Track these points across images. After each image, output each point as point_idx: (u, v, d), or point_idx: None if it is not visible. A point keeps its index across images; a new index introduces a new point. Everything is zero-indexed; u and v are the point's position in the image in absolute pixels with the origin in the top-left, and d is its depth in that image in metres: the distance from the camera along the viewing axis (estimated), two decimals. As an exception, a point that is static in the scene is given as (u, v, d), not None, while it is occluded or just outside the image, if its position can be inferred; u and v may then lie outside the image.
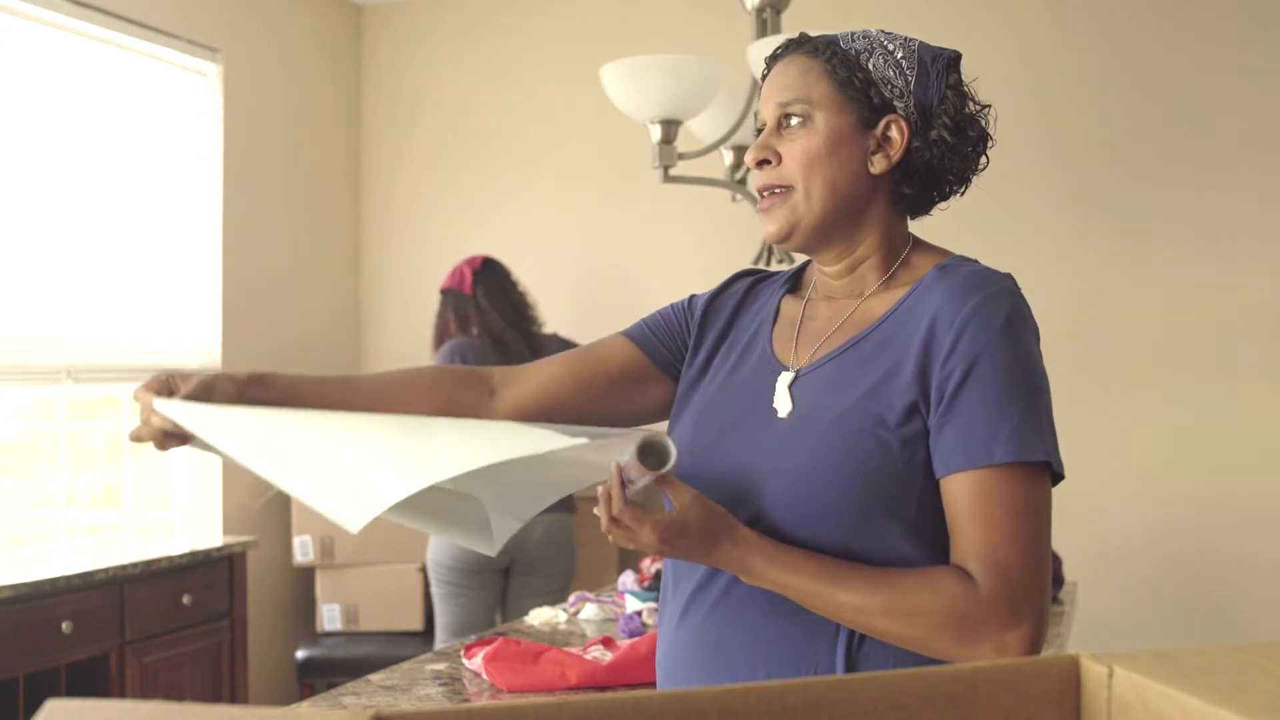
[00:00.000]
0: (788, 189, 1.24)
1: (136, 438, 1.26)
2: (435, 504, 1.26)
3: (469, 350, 3.48)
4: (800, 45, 1.27)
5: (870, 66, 1.23)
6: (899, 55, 1.23)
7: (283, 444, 1.14)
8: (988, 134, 1.26)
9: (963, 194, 1.29)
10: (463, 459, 1.03)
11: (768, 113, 1.26)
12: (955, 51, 1.27)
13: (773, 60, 1.30)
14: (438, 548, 3.48)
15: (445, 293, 3.62)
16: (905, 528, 1.14)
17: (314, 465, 1.11)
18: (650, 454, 1.08)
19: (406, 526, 1.29)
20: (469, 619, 3.45)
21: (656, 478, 1.11)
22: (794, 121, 1.24)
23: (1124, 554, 3.62)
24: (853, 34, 1.26)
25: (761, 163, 1.25)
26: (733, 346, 1.34)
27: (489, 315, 3.52)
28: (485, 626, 3.47)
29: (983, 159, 1.27)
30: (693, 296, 1.41)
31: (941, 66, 1.24)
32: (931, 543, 1.15)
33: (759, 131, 1.28)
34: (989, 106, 1.26)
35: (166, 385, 1.25)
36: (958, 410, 1.12)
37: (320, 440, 1.12)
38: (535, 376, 1.37)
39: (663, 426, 1.31)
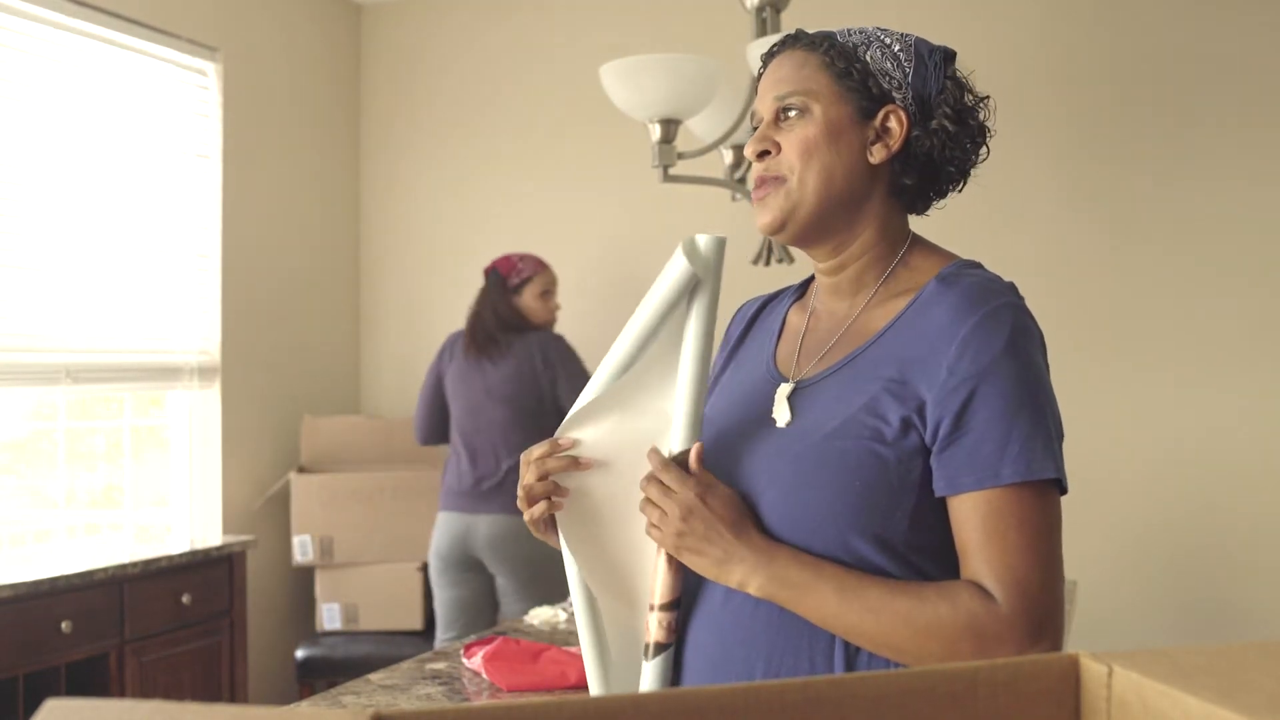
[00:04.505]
0: (782, 178, 1.24)
1: (529, 497, 1.26)
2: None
3: (456, 340, 3.68)
4: (797, 40, 1.28)
5: (868, 58, 1.23)
6: (896, 48, 1.24)
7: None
8: (987, 126, 1.26)
9: (961, 189, 1.29)
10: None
11: (765, 107, 1.27)
12: (950, 49, 1.28)
13: (769, 57, 1.30)
14: (434, 538, 3.61)
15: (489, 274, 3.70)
16: (892, 543, 1.13)
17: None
18: (690, 245, 1.19)
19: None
20: (454, 611, 3.56)
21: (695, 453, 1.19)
22: (792, 113, 1.24)
23: (1124, 553, 3.62)
24: (849, 30, 1.26)
25: (762, 154, 1.25)
26: (741, 362, 1.36)
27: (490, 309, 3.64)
28: (474, 621, 3.54)
29: (983, 150, 1.27)
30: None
31: (939, 59, 1.25)
32: (916, 560, 1.14)
33: (754, 129, 1.28)
34: (987, 98, 1.26)
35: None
36: (963, 430, 1.11)
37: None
38: None
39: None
